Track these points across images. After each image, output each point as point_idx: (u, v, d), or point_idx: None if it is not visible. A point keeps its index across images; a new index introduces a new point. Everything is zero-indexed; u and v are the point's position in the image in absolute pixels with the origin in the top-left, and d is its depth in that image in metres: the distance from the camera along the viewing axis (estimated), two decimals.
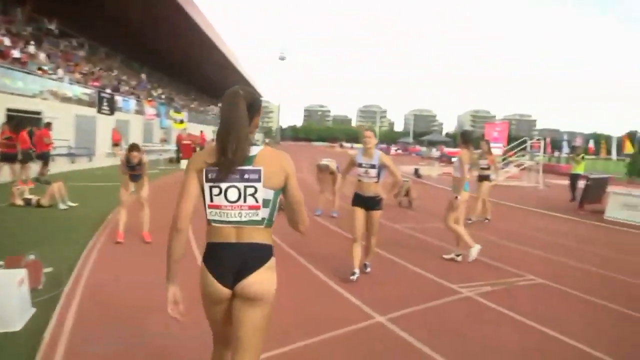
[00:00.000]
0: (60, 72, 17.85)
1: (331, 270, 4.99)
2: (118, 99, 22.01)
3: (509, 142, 25.59)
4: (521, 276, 5.13)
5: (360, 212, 4.65)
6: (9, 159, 10.48)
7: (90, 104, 18.97)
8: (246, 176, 1.74)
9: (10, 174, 10.42)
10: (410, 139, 72.65)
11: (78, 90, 18.20)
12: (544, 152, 20.14)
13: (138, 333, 3.22)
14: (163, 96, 33.70)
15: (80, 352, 2.92)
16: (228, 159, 1.71)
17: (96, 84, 20.88)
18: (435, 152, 46.21)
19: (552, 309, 4.17)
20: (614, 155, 31.29)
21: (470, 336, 3.46)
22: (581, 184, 12.55)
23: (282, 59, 70.64)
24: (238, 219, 1.75)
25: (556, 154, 35.16)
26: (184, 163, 19.15)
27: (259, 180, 1.74)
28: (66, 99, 16.93)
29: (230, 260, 1.75)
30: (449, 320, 3.78)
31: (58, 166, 14.35)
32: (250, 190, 1.75)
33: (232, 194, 1.74)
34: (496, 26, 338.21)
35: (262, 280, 1.76)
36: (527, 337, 3.51)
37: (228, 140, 1.71)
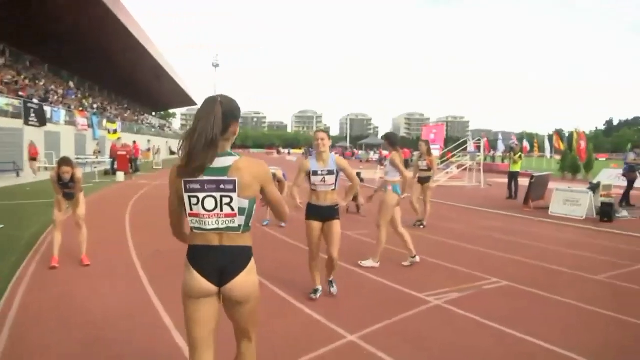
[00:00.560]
0: None
1: (289, 284, 4.66)
2: (47, 109, 20.43)
3: (445, 144, 26.50)
4: (485, 279, 5.05)
5: (316, 225, 4.21)
6: None
7: (16, 115, 17.46)
8: (222, 186, 1.83)
9: None
10: (348, 143, 73.43)
11: (1, 101, 16.67)
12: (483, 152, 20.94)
13: None
14: (95, 106, 31.85)
15: None
16: (193, 163, 1.77)
17: (22, 93, 19.24)
18: (374, 156, 47.17)
19: (523, 312, 4.09)
20: (547, 153, 33.23)
21: (456, 347, 3.27)
22: (522, 181, 13.10)
23: (215, 65, 68.48)
24: (216, 226, 1.85)
25: (491, 152, 36.82)
26: (120, 175, 17.77)
27: (234, 190, 1.83)
28: None
29: (213, 261, 1.86)
30: (424, 333, 3.55)
31: None
32: (226, 200, 1.83)
33: (209, 203, 1.83)
34: (424, 30, 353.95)
35: (246, 283, 1.90)
36: (507, 342, 3.38)
37: (194, 146, 1.77)
